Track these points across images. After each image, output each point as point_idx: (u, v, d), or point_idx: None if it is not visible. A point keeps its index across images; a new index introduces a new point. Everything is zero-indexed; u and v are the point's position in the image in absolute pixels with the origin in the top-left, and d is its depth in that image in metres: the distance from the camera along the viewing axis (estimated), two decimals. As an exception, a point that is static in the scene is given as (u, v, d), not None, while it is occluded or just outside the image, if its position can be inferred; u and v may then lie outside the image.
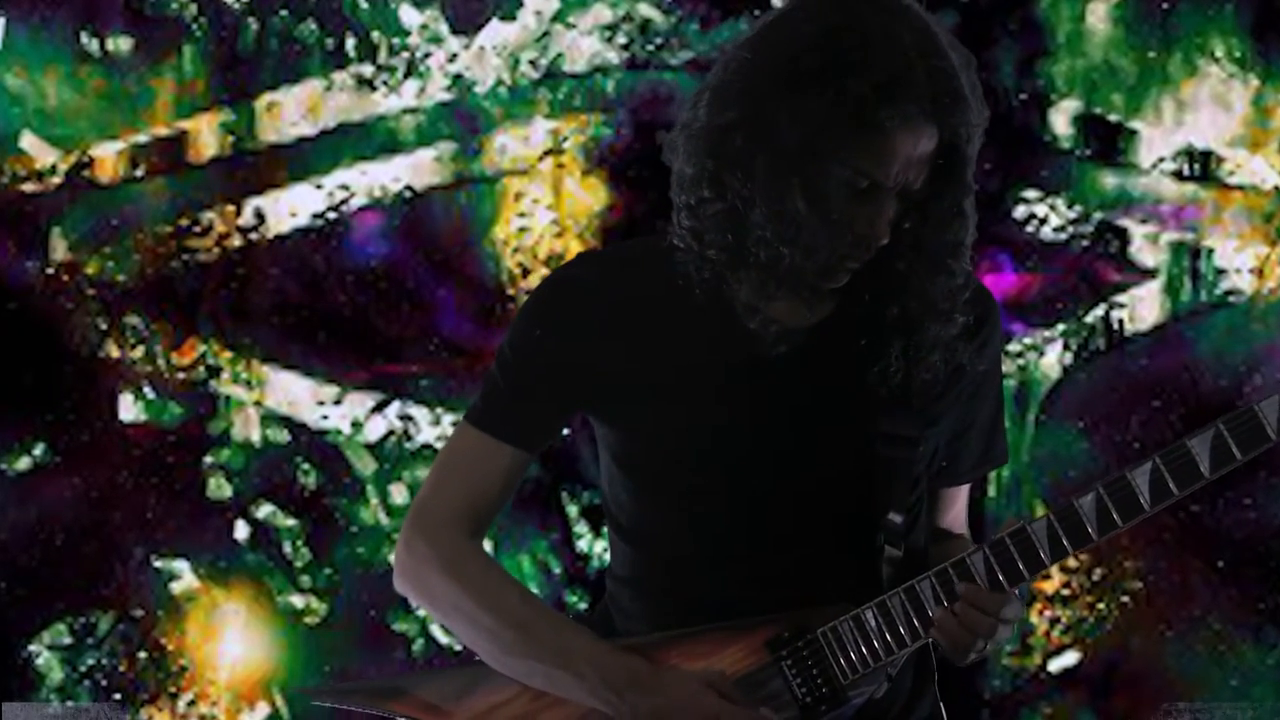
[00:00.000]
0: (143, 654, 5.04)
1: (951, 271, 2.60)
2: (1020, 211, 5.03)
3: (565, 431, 2.82)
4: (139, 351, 5.05)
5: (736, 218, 2.55)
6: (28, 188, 5.05)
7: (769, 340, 2.60)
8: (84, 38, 5.02)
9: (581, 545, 5.06)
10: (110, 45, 5.04)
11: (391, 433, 5.08)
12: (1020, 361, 5.00)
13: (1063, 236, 5.05)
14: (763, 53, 2.53)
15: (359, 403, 5.09)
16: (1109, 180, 5.05)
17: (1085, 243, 5.05)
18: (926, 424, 2.68)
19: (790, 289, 2.59)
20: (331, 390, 5.09)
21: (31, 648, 5.04)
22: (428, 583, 2.70)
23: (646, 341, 2.66)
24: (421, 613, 5.00)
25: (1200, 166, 5.03)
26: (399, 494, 5.07)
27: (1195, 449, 2.50)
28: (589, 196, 5.07)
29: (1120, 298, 5.06)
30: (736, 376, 2.63)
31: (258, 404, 5.09)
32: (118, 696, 5.03)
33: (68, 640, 5.03)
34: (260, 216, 5.09)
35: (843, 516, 2.66)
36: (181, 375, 5.07)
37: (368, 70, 5.08)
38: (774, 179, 2.51)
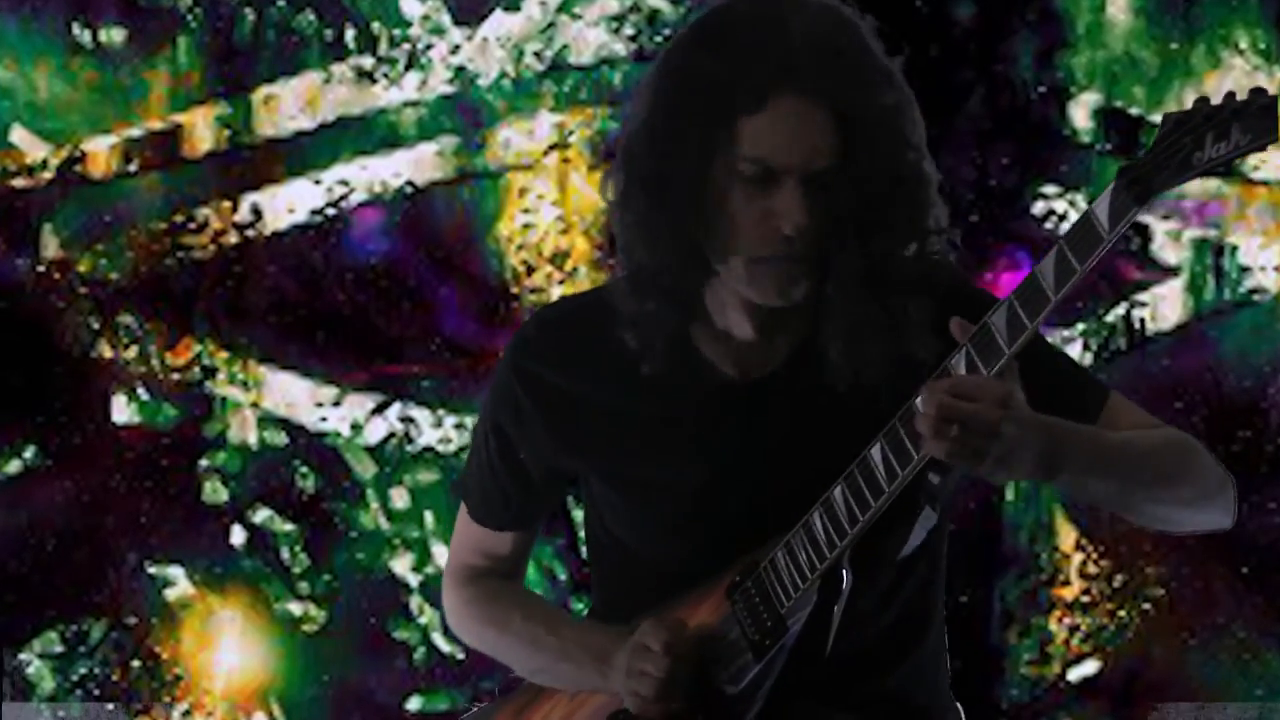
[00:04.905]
0: (136, 662, 5.04)
1: (869, 251, 2.49)
2: (1039, 208, 5.01)
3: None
4: (132, 352, 5.05)
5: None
6: (18, 183, 5.05)
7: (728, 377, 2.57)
8: (76, 29, 5.02)
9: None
10: (103, 36, 5.04)
11: (392, 435, 5.08)
12: (1039, 362, 4.99)
13: (1082, 233, 5.03)
14: (658, 63, 2.59)
15: (359, 404, 5.09)
16: (1130, 175, 5.03)
17: (1106, 240, 5.03)
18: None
19: (745, 311, 2.54)
20: (330, 391, 5.09)
21: (22, 656, 5.04)
22: (458, 631, 2.88)
23: (604, 398, 2.62)
24: (423, 620, 5.03)
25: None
26: (399, 498, 5.07)
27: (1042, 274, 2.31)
28: (595, 192, 5.06)
29: (1142, 296, 5.03)
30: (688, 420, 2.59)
31: (254, 405, 5.09)
32: (110, 706, 5.03)
33: (59, 648, 5.03)
34: (257, 213, 5.09)
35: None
36: (176, 376, 5.07)
37: (368, 62, 5.08)
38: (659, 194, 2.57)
